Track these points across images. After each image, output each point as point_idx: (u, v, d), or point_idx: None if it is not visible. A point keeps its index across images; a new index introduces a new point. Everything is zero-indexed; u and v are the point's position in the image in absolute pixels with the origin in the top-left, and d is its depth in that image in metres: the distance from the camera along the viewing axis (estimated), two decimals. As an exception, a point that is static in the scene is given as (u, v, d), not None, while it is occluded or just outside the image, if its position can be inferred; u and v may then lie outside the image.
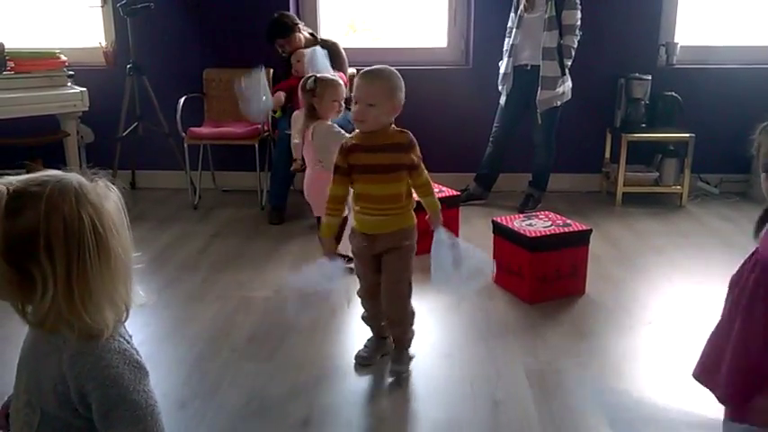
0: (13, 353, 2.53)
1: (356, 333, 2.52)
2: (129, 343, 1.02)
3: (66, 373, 0.96)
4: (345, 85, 3.51)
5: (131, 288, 1.03)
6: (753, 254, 1.48)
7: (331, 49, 3.87)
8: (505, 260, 2.98)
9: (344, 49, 4.08)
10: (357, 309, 2.41)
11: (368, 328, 2.38)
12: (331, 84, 2.89)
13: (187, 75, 4.47)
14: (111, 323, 0.99)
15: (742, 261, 1.54)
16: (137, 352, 1.03)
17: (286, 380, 2.25)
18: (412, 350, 2.33)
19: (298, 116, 3.15)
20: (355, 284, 2.34)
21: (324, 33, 4.03)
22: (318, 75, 2.95)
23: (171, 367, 2.34)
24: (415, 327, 2.32)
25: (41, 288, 0.92)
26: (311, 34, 4.12)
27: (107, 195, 0.99)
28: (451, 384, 2.22)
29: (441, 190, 3.57)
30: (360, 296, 2.32)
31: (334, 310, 2.77)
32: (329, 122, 2.92)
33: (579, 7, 3.88)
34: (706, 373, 1.56)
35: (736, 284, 1.49)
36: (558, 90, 3.94)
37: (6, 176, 0.97)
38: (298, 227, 3.82)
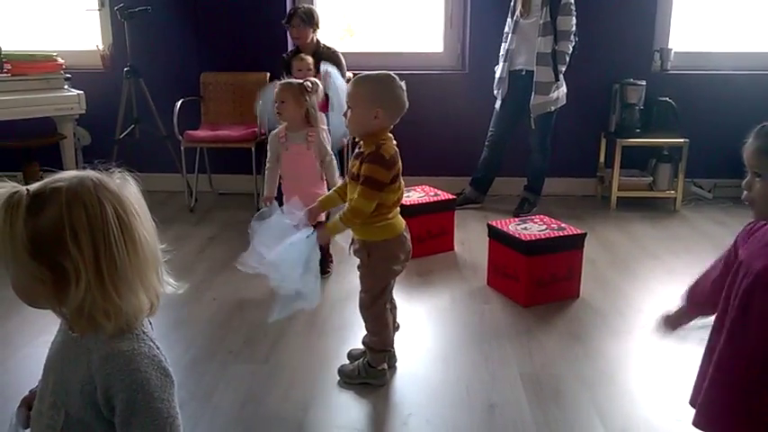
0: (11, 353, 2.52)
1: (352, 335, 2.53)
2: (158, 348, 1.03)
3: (95, 375, 0.97)
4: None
5: (161, 275, 1.05)
6: (736, 267, 1.47)
7: (331, 57, 3.91)
8: (501, 263, 3.00)
9: (342, 53, 4.10)
10: (355, 313, 2.41)
11: (363, 331, 2.38)
12: (281, 87, 2.94)
13: (184, 78, 4.48)
14: (145, 308, 1.01)
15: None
16: (165, 359, 1.03)
17: (282, 382, 2.26)
18: (383, 364, 2.27)
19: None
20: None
21: (321, 37, 4.06)
22: (284, 81, 3.01)
23: None
24: (388, 340, 2.28)
25: (75, 278, 0.94)
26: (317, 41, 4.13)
27: (125, 184, 1.01)
28: (447, 388, 2.23)
29: (436, 194, 3.59)
30: None
31: (330, 313, 2.79)
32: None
33: (574, 13, 3.91)
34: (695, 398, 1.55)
35: (726, 304, 1.47)
36: (551, 95, 3.96)
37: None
38: (294, 230, 3.82)
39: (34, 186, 0.96)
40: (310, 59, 3.78)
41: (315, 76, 3.45)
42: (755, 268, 1.37)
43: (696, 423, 1.47)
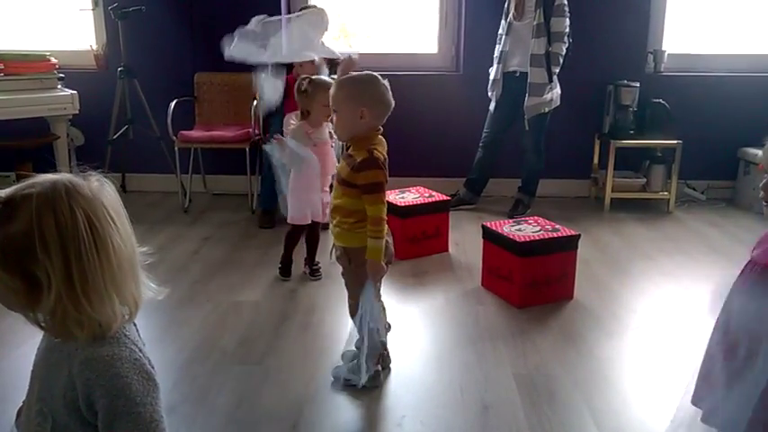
0: (5, 354, 2.50)
1: (346, 337, 2.53)
2: (141, 351, 1.02)
3: (76, 380, 0.96)
4: None
5: (139, 281, 1.02)
6: (744, 265, 1.50)
7: (332, 61, 3.88)
8: (495, 265, 3.00)
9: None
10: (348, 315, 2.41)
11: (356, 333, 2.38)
12: (324, 87, 2.82)
13: (178, 78, 4.47)
14: (120, 316, 0.99)
15: (728, 266, 1.57)
16: (149, 362, 1.02)
17: (275, 384, 2.25)
18: (379, 366, 2.26)
19: (291, 118, 3.16)
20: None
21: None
22: (313, 77, 2.94)
23: (160, 371, 2.28)
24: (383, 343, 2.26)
25: (46, 287, 0.92)
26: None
27: (100, 189, 0.98)
28: (441, 389, 2.23)
29: (431, 195, 3.59)
30: None
31: (324, 315, 2.79)
32: (300, 125, 2.91)
33: (568, 15, 3.92)
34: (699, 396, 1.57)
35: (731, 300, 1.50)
36: (545, 97, 3.98)
37: None
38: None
39: (5, 193, 0.94)
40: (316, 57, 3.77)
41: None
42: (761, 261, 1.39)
43: (708, 422, 1.49)
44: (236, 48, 2.46)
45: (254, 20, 2.49)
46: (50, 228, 0.91)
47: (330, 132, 2.93)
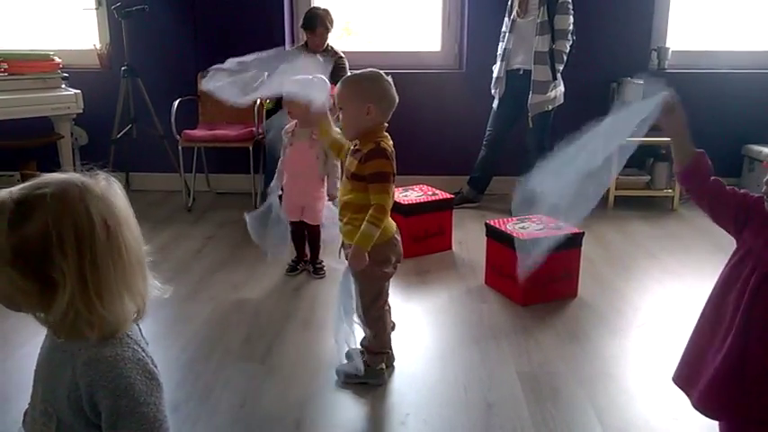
0: (9, 353, 2.51)
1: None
2: (144, 351, 1.01)
3: (79, 381, 0.96)
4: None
5: (147, 280, 1.02)
6: (743, 255, 1.49)
7: (336, 62, 3.87)
8: (498, 263, 3.00)
9: (342, 52, 4.09)
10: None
11: (361, 332, 2.38)
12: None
13: (182, 77, 4.47)
14: (130, 316, 0.99)
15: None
16: (152, 361, 1.01)
17: (279, 382, 2.26)
18: (382, 364, 2.27)
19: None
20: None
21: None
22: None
23: (164, 369, 2.28)
24: (386, 342, 2.28)
25: (61, 288, 0.91)
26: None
27: (109, 188, 0.98)
28: (444, 387, 2.23)
29: (434, 193, 3.59)
30: None
31: (328, 313, 2.78)
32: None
33: (571, 12, 3.91)
34: (684, 377, 1.58)
35: (728, 287, 1.50)
36: (549, 94, 3.97)
37: (6, 188, 0.95)
38: (292, 229, 3.82)
39: (17, 193, 0.92)
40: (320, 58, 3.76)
41: None
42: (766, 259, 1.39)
43: (700, 407, 1.49)
44: (209, 82, 2.49)
45: (230, 60, 2.51)
46: (68, 229, 0.90)
47: (313, 137, 2.90)
